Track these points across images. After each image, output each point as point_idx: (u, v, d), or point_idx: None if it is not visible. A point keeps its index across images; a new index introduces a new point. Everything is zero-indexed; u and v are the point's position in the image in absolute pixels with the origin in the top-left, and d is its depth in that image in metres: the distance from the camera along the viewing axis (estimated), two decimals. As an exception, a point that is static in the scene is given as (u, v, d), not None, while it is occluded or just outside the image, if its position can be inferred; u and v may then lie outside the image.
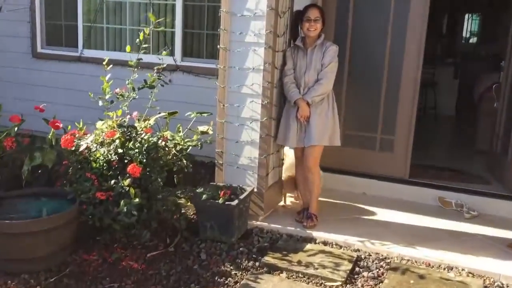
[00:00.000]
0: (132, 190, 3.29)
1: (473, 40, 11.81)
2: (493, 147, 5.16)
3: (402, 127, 4.68)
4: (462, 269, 3.33)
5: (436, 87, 8.42)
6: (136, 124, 3.84)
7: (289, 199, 4.38)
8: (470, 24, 11.69)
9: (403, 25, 4.49)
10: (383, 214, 4.19)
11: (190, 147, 4.17)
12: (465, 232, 3.93)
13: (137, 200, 3.27)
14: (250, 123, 3.83)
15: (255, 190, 3.86)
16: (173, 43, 5.43)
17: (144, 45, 3.78)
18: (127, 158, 3.53)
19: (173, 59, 5.37)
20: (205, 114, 4.50)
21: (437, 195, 4.51)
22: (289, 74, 3.84)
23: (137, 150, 3.54)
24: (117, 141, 3.60)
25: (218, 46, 3.84)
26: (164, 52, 4.48)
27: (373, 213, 4.22)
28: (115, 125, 3.72)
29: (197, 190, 3.74)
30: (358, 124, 4.79)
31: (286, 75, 3.85)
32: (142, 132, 3.72)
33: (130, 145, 3.59)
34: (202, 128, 4.48)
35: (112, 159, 3.51)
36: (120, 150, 3.54)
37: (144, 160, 3.51)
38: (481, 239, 3.81)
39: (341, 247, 3.59)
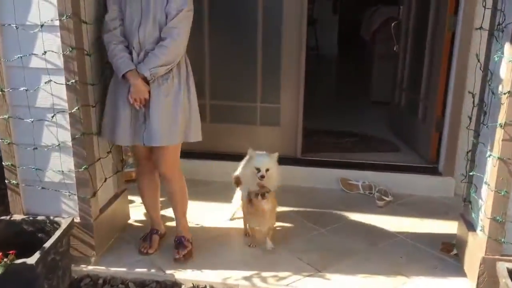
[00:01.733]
0: None
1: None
2: (395, 100, 4.20)
3: (288, 91, 3.48)
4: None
5: (316, 24, 7.36)
6: None
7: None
8: None
9: None
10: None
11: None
12: (382, 231, 2.90)
13: None
14: (53, 116, 2.31)
15: (77, 219, 2.44)
16: None
17: None
18: None
19: None
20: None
21: (338, 175, 3.45)
22: (112, 28, 2.35)
23: None
24: None
25: (-24, -11, 2.21)
26: None
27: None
28: None
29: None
30: (229, 90, 3.51)
31: (109, 29, 2.35)
32: None
33: None
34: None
35: None
36: None
37: None
38: (405, 242, 2.79)
39: (220, 292, 2.37)
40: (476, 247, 2.30)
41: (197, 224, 2.90)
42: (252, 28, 3.39)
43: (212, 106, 3.58)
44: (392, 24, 4.02)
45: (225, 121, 3.60)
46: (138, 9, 2.33)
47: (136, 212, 3.01)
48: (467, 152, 2.47)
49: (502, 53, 2.09)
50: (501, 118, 2.07)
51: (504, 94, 2.04)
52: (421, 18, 3.66)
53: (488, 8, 2.26)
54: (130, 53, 2.36)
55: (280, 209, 2.89)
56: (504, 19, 2.11)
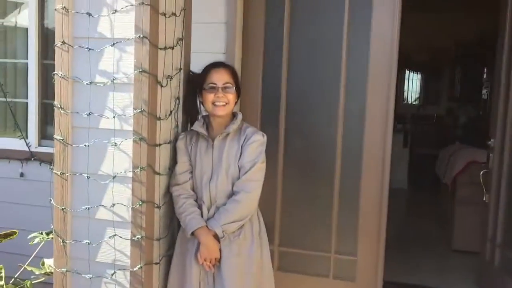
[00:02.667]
0: None
1: (413, 100, 10.84)
2: (486, 256, 3.71)
3: (366, 243, 3.14)
4: None
5: (386, 158, 7.12)
6: None
7: None
8: (411, 85, 10.74)
9: (361, 86, 3.08)
10: None
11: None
12: None
13: None
14: (113, 274, 2.10)
15: None
16: (26, 119, 3.68)
17: None
18: None
19: (26, 143, 3.61)
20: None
21: None
22: (182, 181, 2.20)
23: None
24: None
25: (55, 136, 2.16)
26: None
27: None
28: None
29: None
30: (300, 239, 3.23)
31: (177, 182, 2.21)
32: None
33: None
34: (51, 261, 2.71)
35: None
36: None
37: None
38: None
39: None
40: None
41: None
42: (329, 170, 3.18)
43: (282, 253, 3.29)
44: (481, 173, 3.68)
45: (294, 270, 3.27)
46: (210, 163, 2.19)
47: None
48: None
49: None
50: None
51: None
52: (516, 169, 3.33)
53: None
54: (200, 207, 2.18)
55: None
56: None
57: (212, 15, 3.13)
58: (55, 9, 2.07)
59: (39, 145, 3.64)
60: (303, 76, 3.22)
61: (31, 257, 2.74)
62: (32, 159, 3.59)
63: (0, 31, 3.78)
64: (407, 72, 10.49)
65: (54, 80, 2.12)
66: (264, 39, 3.24)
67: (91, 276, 2.11)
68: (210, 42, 3.14)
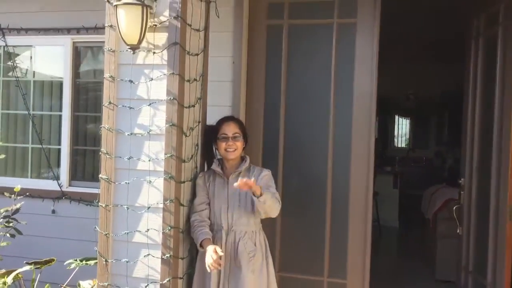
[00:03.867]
0: None
1: (403, 144, 11.49)
2: (462, 283, 4.20)
3: (354, 268, 3.64)
4: None
5: (377, 197, 7.65)
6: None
7: None
8: (400, 129, 11.42)
9: (347, 130, 3.64)
10: None
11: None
12: None
13: None
14: (146, 286, 2.61)
15: None
16: (58, 162, 4.24)
17: None
18: None
19: (58, 184, 4.15)
20: (93, 262, 3.26)
21: None
22: (199, 210, 2.74)
23: None
24: None
25: (100, 176, 2.71)
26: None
27: None
28: None
29: None
30: (297, 264, 3.71)
31: (196, 211, 2.74)
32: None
33: None
34: (86, 283, 3.21)
35: None
36: None
37: None
38: None
39: None
40: None
41: None
42: (322, 203, 3.68)
43: (281, 278, 3.76)
44: (454, 208, 4.23)
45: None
46: (226, 196, 2.74)
47: None
48: None
49: None
50: None
51: None
52: (482, 204, 3.86)
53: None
54: (219, 232, 2.70)
55: None
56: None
57: (220, 75, 3.73)
58: (104, 77, 2.67)
59: (69, 185, 4.18)
60: (298, 123, 3.78)
61: (68, 280, 3.24)
62: (63, 197, 4.12)
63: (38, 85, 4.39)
64: (397, 117, 11.19)
65: (101, 132, 2.69)
66: (264, 93, 3.83)
67: (127, 288, 2.62)
68: (219, 97, 3.71)
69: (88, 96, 4.28)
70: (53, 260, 3.36)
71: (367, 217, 3.61)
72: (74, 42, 4.17)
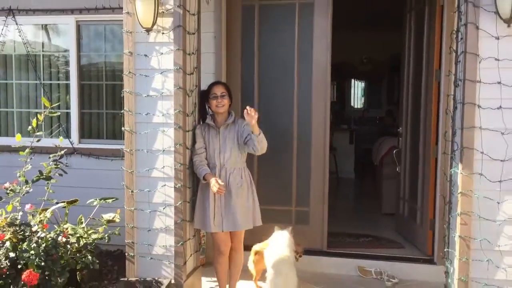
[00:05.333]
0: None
1: (359, 105, 12.63)
2: (400, 210, 5.32)
3: (315, 197, 4.65)
4: None
5: (336, 152, 8.73)
6: (30, 220, 3.37)
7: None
8: (356, 91, 12.53)
9: (308, 93, 4.60)
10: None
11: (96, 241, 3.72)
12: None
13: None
14: (164, 208, 3.53)
15: (173, 281, 3.51)
16: (68, 124, 5.02)
17: (37, 133, 3.39)
18: (21, 262, 3.03)
19: (70, 142, 4.95)
20: (110, 200, 4.11)
21: (356, 264, 4.46)
22: (199, 153, 3.64)
23: (33, 252, 3.07)
24: (7, 243, 3.10)
25: (123, 128, 3.56)
26: (60, 138, 4.10)
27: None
28: (4, 224, 3.22)
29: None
30: (272, 198, 4.68)
31: (197, 153, 3.63)
32: (38, 229, 3.25)
33: (25, 246, 3.10)
34: (107, 216, 4.06)
35: (1, 266, 2.99)
36: (12, 254, 3.04)
37: (43, 263, 3.04)
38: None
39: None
40: (452, 302, 3.28)
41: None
42: (289, 155, 4.66)
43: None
44: (394, 152, 5.29)
45: (267, 221, 4.71)
46: (218, 143, 3.63)
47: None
48: (444, 237, 3.55)
49: (457, 168, 3.28)
50: (458, 210, 3.19)
51: (458, 193, 3.19)
52: (414, 147, 4.92)
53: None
54: (213, 169, 3.61)
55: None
56: (458, 147, 3.32)
57: (205, 48, 4.55)
58: (124, 53, 3.49)
59: (80, 142, 4.98)
60: (269, 86, 4.70)
61: (92, 213, 4.08)
62: (75, 153, 4.92)
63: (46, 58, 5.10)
64: (353, 81, 12.27)
65: (123, 95, 3.53)
66: (241, 62, 4.71)
67: (149, 210, 3.53)
68: (204, 66, 4.53)
69: (90, 68, 5.04)
70: (77, 200, 4.20)
71: (325, 156, 4.60)
72: (77, 21, 4.89)
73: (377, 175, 7.10)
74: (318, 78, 4.58)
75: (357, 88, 12.52)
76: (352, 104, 12.42)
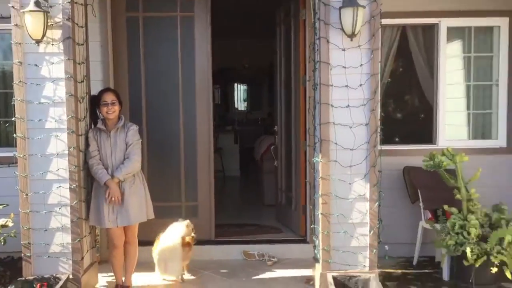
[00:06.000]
0: None
1: (242, 107, 13.39)
2: (279, 200, 5.98)
3: (203, 193, 5.12)
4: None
5: (221, 152, 9.29)
6: None
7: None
8: (239, 95, 13.26)
9: (192, 98, 5.05)
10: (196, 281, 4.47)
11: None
12: (270, 278, 4.46)
13: None
14: (59, 208, 3.75)
15: (71, 276, 3.75)
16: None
17: None
18: None
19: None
20: (1, 206, 4.23)
21: (242, 249, 5.00)
22: (93, 155, 3.91)
23: None
24: None
25: (14, 135, 3.72)
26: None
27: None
28: None
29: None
30: (164, 195, 5.03)
31: (91, 156, 3.90)
32: None
33: None
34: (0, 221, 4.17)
35: None
36: None
37: None
38: (283, 280, 4.37)
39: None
40: (318, 270, 3.93)
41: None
42: (177, 155, 5.07)
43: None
44: (272, 148, 5.94)
45: (161, 217, 5.06)
46: (109, 146, 3.93)
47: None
48: (311, 217, 4.21)
49: (318, 157, 3.94)
50: (319, 191, 3.85)
51: (319, 178, 3.85)
52: (288, 143, 5.60)
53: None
54: (106, 169, 3.91)
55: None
56: (318, 140, 3.99)
57: (92, 56, 4.76)
58: (13, 63, 3.66)
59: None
60: (156, 92, 5.06)
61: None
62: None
63: None
64: (236, 85, 12.98)
65: (13, 103, 3.69)
66: (127, 70, 5.01)
67: (45, 211, 3.73)
68: (92, 74, 4.74)
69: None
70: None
71: (210, 155, 5.09)
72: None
73: (258, 171, 7.76)
74: (201, 83, 5.05)
75: (241, 92, 13.26)
76: (236, 106, 13.13)
